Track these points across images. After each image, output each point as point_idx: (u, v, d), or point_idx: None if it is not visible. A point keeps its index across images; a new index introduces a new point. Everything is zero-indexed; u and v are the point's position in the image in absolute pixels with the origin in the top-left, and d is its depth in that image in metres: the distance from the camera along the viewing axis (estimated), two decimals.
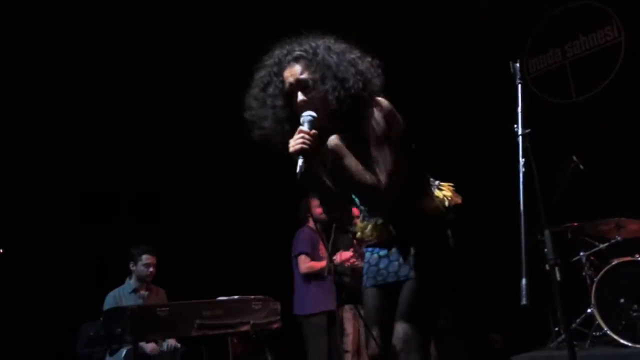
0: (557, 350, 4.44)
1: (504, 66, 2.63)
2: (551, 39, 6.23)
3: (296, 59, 1.93)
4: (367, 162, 1.93)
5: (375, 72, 1.97)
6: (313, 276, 4.46)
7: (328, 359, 4.28)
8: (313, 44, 1.94)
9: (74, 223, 5.03)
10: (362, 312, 4.70)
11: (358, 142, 1.94)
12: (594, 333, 4.45)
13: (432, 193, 2.15)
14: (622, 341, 4.16)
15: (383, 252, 2.17)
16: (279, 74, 1.95)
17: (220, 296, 3.98)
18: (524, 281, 1.99)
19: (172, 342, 4.24)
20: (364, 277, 2.26)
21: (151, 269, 4.44)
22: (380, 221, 2.16)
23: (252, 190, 5.72)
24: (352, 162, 1.92)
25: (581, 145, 4.96)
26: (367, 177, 1.90)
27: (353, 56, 1.95)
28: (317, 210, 4.63)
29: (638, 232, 4.67)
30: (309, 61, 1.90)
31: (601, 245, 4.71)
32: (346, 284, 4.62)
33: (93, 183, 5.12)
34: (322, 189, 2.03)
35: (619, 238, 4.62)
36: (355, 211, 4.81)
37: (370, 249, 2.26)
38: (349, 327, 4.54)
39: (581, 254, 4.71)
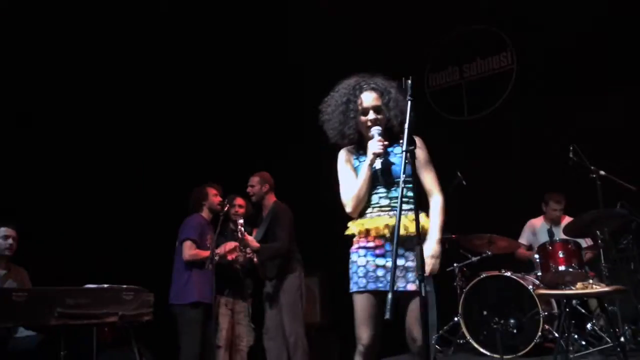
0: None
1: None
2: (452, 57, 6.51)
3: (373, 89, 2.63)
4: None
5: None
6: (195, 265, 4.31)
7: (200, 352, 4.16)
8: (386, 83, 2.65)
9: None
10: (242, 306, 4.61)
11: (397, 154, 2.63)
12: (458, 341, 4.72)
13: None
14: (482, 350, 4.46)
15: (380, 261, 2.51)
16: (358, 95, 2.63)
17: (90, 284, 3.74)
18: (389, 296, 2.04)
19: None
20: (361, 279, 2.53)
21: (10, 242, 4.12)
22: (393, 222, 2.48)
23: (135, 178, 5.48)
24: None
25: (465, 163, 5.21)
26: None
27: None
28: (215, 199, 4.52)
29: (506, 248, 5.03)
30: (381, 92, 2.62)
31: (473, 258, 5.02)
32: (232, 276, 4.56)
33: None
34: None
35: (489, 253, 4.95)
36: (239, 200, 4.77)
37: (362, 253, 2.55)
38: (223, 322, 4.46)
39: (455, 265, 4.99)
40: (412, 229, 2.44)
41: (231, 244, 4.44)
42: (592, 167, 4.38)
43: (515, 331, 4.41)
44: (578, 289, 3.15)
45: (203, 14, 6.02)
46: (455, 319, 4.69)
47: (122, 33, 5.51)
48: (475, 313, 4.58)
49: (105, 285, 3.64)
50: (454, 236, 4.99)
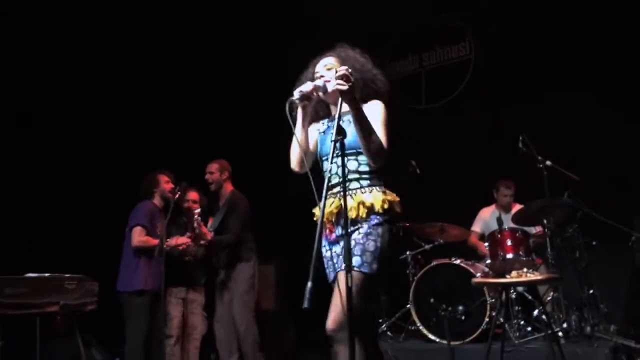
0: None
1: None
2: (411, 45, 6.52)
3: (329, 56, 2.64)
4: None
5: (380, 77, 2.66)
6: (144, 252, 4.25)
7: (146, 342, 4.11)
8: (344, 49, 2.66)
9: None
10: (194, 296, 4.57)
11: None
12: (409, 327, 4.78)
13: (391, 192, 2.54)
14: (430, 336, 4.54)
15: (336, 248, 2.49)
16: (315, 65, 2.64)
17: (33, 272, 3.68)
18: (309, 284, 2.04)
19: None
20: (328, 271, 2.56)
21: None
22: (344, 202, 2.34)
23: (82, 163, 5.38)
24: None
25: (420, 152, 5.23)
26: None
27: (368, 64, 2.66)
28: (167, 186, 4.47)
29: (458, 237, 5.10)
30: (337, 55, 2.62)
31: (426, 246, 5.08)
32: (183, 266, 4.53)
33: None
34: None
35: (441, 241, 5.01)
36: (193, 195, 4.71)
37: (325, 243, 2.55)
38: (174, 311, 4.44)
39: (407, 252, 5.04)
40: (361, 212, 2.41)
41: (182, 239, 4.39)
42: (539, 157, 4.45)
43: (463, 318, 4.48)
44: (512, 277, 3.21)
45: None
46: (407, 305, 4.76)
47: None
48: (425, 300, 4.64)
49: (47, 274, 3.59)
50: (407, 224, 5.03)
